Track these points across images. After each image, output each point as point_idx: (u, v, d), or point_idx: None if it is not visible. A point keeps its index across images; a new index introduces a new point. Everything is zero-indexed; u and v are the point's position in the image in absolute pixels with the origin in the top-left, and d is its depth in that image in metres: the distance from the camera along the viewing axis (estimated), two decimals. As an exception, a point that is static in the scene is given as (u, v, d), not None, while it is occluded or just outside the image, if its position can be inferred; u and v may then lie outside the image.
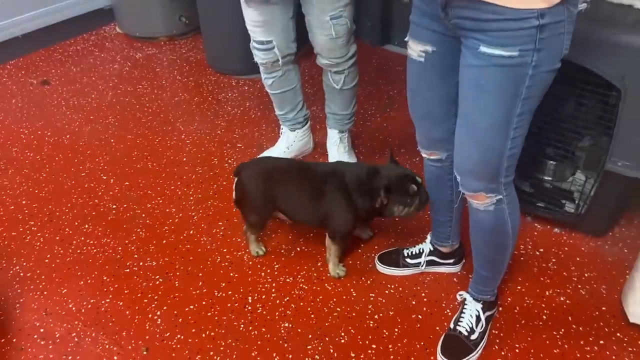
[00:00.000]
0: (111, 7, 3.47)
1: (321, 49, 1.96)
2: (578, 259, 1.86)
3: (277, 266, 1.86)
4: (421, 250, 1.80)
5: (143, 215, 2.08)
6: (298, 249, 1.93)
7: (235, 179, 1.82)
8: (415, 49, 1.32)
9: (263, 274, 1.83)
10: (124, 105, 2.77)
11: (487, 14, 1.08)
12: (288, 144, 2.30)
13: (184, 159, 2.39)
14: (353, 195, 1.67)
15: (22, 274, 1.84)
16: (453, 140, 1.34)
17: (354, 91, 2.13)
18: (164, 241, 1.97)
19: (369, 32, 3.20)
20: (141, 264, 1.87)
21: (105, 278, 1.82)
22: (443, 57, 1.28)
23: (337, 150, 2.26)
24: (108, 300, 1.74)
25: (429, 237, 1.80)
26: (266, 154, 2.30)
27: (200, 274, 1.83)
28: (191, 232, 2.01)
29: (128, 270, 1.85)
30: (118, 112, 2.71)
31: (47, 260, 1.89)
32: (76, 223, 2.05)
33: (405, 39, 1.35)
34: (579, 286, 1.76)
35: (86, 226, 2.04)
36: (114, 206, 2.13)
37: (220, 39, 2.89)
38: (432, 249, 1.78)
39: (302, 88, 2.21)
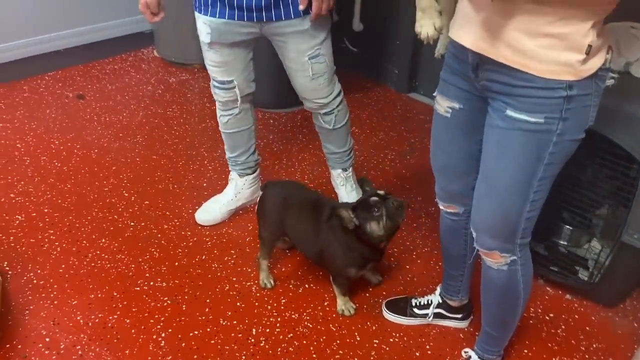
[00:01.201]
0: (152, 31, 3.62)
1: (304, 91, 1.97)
2: (588, 328, 1.84)
3: (284, 301, 1.87)
4: (430, 302, 1.80)
5: (159, 235, 2.12)
6: (306, 285, 1.94)
7: (262, 194, 1.92)
8: (443, 105, 1.36)
9: (269, 307, 1.84)
10: (153, 126, 2.85)
11: (517, 80, 1.12)
12: (236, 191, 2.24)
13: (204, 184, 2.44)
14: (339, 233, 1.70)
15: (35, 281, 1.88)
16: (471, 195, 1.37)
17: (347, 127, 2.15)
18: (176, 263, 1.99)
19: (396, 79, 3.28)
20: (152, 283, 1.90)
21: (115, 294, 1.84)
22: (469, 114, 1.32)
23: (345, 190, 2.28)
24: (115, 316, 1.76)
25: (438, 289, 1.80)
26: (212, 202, 2.25)
27: (208, 300, 1.85)
28: (203, 257, 2.03)
29: (138, 288, 1.87)
30: (146, 132, 2.79)
31: (61, 270, 1.93)
32: (94, 236, 2.09)
33: (434, 94, 1.40)
34: (587, 356, 1.73)
35: (103, 240, 2.07)
36: (132, 223, 2.17)
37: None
38: (440, 301, 1.78)
39: (256, 131, 2.18)
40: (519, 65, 1.11)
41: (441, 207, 1.57)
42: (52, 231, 2.11)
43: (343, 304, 1.82)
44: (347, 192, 2.28)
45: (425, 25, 1.15)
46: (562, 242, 2.08)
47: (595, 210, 2.00)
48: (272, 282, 1.91)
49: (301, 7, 1.75)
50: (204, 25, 1.84)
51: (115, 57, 3.57)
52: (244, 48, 1.91)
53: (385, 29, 3.24)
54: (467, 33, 1.19)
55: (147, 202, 2.30)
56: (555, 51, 1.07)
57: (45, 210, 2.21)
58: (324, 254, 1.77)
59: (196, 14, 1.87)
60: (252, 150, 2.21)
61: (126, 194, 2.33)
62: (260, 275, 1.91)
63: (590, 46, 1.06)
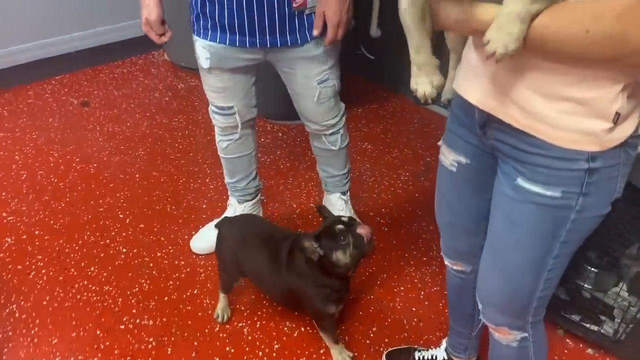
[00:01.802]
0: (163, 33, 3.49)
1: (310, 115, 1.85)
2: (611, 390, 1.66)
3: (277, 346, 1.73)
4: (434, 357, 1.64)
5: (151, 264, 2.01)
6: (302, 329, 1.80)
7: (217, 232, 1.79)
8: (448, 157, 1.18)
9: (261, 353, 1.71)
10: (156, 138, 2.74)
11: (530, 146, 0.95)
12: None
13: (204, 206, 2.31)
14: (302, 269, 1.55)
15: (17, 315, 1.79)
16: (480, 255, 1.20)
17: (348, 147, 2.02)
18: (166, 298, 1.88)
19: (416, 90, 3.08)
20: (138, 321, 1.78)
21: (98, 332, 1.74)
22: (477, 171, 1.15)
23: (346, 215, 2.12)
24: (96, 359, 1.66)
25: (444, 343, 1.64)
26: (208, 228, 2.10)
27: (196, 343, 1.73)
28: (195, 291, 1.91)
29: (123, 326, 1.76)
30: (149, 145, 2.68)
31: (45, 303, 1.83)
32: (82, 264, 1.99)
33: (439, 143, 1.23)
34: None
35: (92, 269, 1.97)
36: (124, 250, 2.06)
37: (259, 80, 2.82)
38: (446, 357, 1.62)
39: (257, 156, 2.05)
40: (531, 130, 0.93)
41: (447, 264, 1.40)
42: (40, 256, 2.01)
43: (338, 354, 1.68)
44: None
45: (421, 83, 0.97)
46: (586, 286, 1.88)
47: (624, 249, 1.80)
48: (228, 315, 1.81)
49: (315, 33, 1.62)
50: (203, 49, 1.71)
51: (125, 60, 3.46)
52: (245, 73, 1.77)
53: (404, 36, 3.04)
54: (473, 87, 1.02)
55: (142, 225, 2.18)
56: (575, 117, 0.89)
57: (36, 233, 2.12)
58: (295, 296, 1.62)
59: (194, 37, 1.74)
60: (252, 176, 2.07)
61: (121, 216, 2.23)
62: (218, 306, 1.81)
63: (618, 114, 0.88)
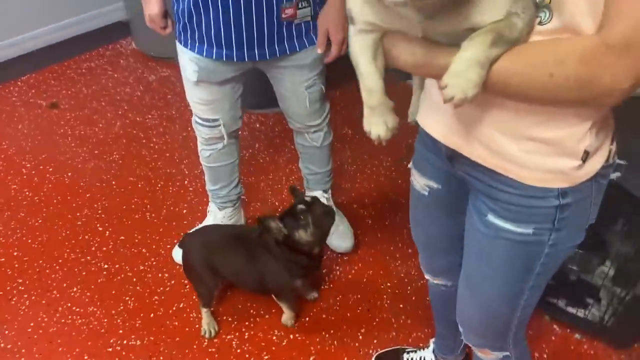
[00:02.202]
0: (129, 20, 3.35)
1: (296, 117, 1.84)
2: (598, 375, 1.69)
3: (266, 357, 1.73)
4: (422, 359, 1.64)
5: (134, 279, 1.98)
6: (291, 336, 1.80)
7: (182, 251, 1.81)
8: (419, 181, 1.14)
9: (251, 365, 1.71)
10: (131, 138, 2.66)
11: (499, 183, 0.91)
12: (215, 223, 2.06)
13: (184, 211, 2.27)
14: (273, 248, 1.66)
15: (2, 345, 1.77)
16: (459, 271, 1.18)
17: (331, 143, 2.00)
18: (152, 315, 1.86)
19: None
20: (125, 342, 1.77)
21: (86, 358, 1.73)
22: (449, 195, 1.11)
23: None
24: (86, 386, 1.66)
25: (431, 344, 1.64)
26: None
27: (185, 360, 1.73)
28: (181, 305, 1.89)
29: (111, 349, 1.75)
30: (124, 147, 2.60)
31: (29, 330, 1.81)
32: (64, 284, 1.96)
33: (409, 166, 1.18)
34: (596, 413, 1.58)
35: (74, 289, 1.94)
36: (106, 266, 2.03)
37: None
38: (433, 359, 1.63)
39: (239, 164, 2.02)
40: (498, 169, 0.89)
41: (427, 278, 1.38)
42: (21, 280, 1.98)
43: (288, 319, 1.80)
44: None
45: (375, 125, 0.91)
46: (571, 267, 1.88)
47: (609, 225, 1.79)
48: (215, 328, 1.80)
49: (319, 51, 1.60)
50: (190, 62, 1.64)
51: (92, 52, 3.33)
52: (234, 83, 1.73)
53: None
54: (437, 123, 0.97)
55: (122, 237, 2.14)
56: (542, 157, 0.85)
57: (15, 254, 2.08)
58: (265, 277, 1.71)
59: (179, 46, 1.66)
60: (234, 183, 2.04)
61: (100, 228, 2.18)
62: (203, 322, 1.80)
63: (587, 152, 0.83)
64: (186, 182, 2.41)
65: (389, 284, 1.96)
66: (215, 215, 2.08)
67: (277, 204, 2.31)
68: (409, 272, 2.00)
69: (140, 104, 2.91)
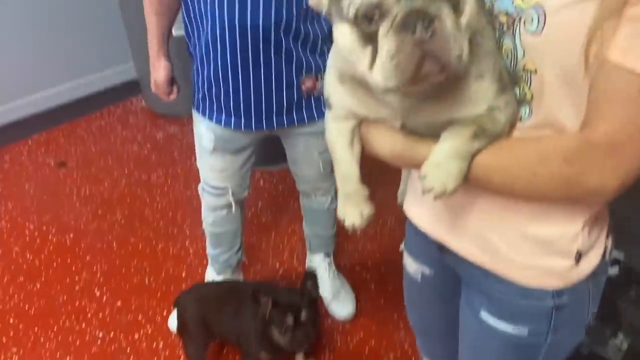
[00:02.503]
0: (138, 79, 3.41)
1: (306, 180, 1.82)
2: None
3: None
4: None
5: (128, 349, 1.92)
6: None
7: (176, 309, 1.78)
8: (411, 266, 1.09)
9: None
10: (135, 197, 2.66)
11: (491, 281, 0.84)
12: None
13: (183, 274, 2.23)
14: (258, 313, 1.59)
15: (-11, 421, 1.72)
16: (457, 358, 1.10)
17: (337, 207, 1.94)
18: (144, 389, 1.80)
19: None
20: (114, 418, 1.71)
21: None
22: (443, 281, 1.05)
23: (329, 277, 2.04)
24: None
25: None
26: None
27: None
28: (175, 377, 1.83)
29: None
30: (127, 207, 2.60)
31: (18, 405, 1.76)
32: (58, 354, 1.91)
33: (400, 248, 1.13)
34: None
35: (67, 359, 1.89)
36: (100, 334, 1.98)
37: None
38: None
39: (243, 229, 1.99)
40: (489, 268, 0.83)
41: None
42: (15, 349, 1.94)
43: None
44: (330, 279, 2.05)
45: (350, 214, 0.87)
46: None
47: (622, 293, 1.69)
48: None
49: None
50: (207, 131, 1.64)
51: (102, 110, 3.39)
52: (248, 151, 1.72)
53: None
54: (423, 214, 0.92)
55: (119, 303, 2.10)
56: (533, 256, 0.79)
57: (11, 321, 2.05)
58: (241, 333, 1.69)
59: (196, 115, 1.67)
60: (236, 249, 2.00)
61: (98, 293, 2.15)
62: None
63: (579, 252, 0.77)
64: (187, 243, 2.38)
65: (392, 356, 1.86)
66: (213, 281, 2.03)
67: (277, 265, 2.25)
68: (413, 343, 1.90)
69: (146, 162, 2.92)
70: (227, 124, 1.58)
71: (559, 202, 0.73)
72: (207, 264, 2.15)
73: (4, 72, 2.99)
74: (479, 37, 0.67)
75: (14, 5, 2.89)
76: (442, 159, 0.71)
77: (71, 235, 2.44)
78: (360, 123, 0.84)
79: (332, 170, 1.77)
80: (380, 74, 0.62)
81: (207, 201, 1.86)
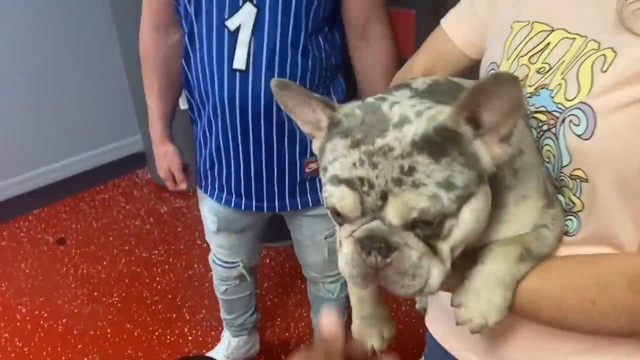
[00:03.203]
0: (145, 151, 3.36)
1: (312, 266, 1.71)
2: None
3: None
4: None
5: None
6: None
7: None
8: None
9: None
10: (133, 277, 2.52)
11: None
12: (228, 351, 1.97)
13: (181, 366, 2.05)
14: None
15: None
16: None
17: (347, 297, 1.79)
18: None
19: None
20: None
21: None
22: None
23: None
24: None
25: None
26: None
27: None
28: None
29: None
30: (125, 289, 2.45)
31: None
32: None
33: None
34: None
35: None
36: None
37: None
38: None
39: (256, 292, 1.94)
40: None
41: None
42: None
43: None
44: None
45: (369, 336, 0.75)
46: None
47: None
48: None
49: None
50: (210, 213, 1.59)
51: (107, 183, 3.31)
52: (255, 228, 1.67)
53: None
54: (449, 332, 0.78)
55: (108, 400, 1.92)
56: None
57: (-10, 421, 1.87)
58: None
59: (200, 193, 1.61)
60: (251, 312, 1.94)
61: (87, 388, 1.97)
62: None
63: None
64: (186, 329, 2.21)
65: None
66: (230, 342, 1.97)
67: (283, 357, 2.07)
68: None
69: (148, 238, 2.80)
70: (227, 203, 1.51)
71: (620, 335, 0.59)
72: (206, 352, 1.99)
73: (8, 146, 2.95)
74: (519, 158, 0.58)
75: (17, 75, 2.88)
76: (482, 287, 0.59)
77: (64, 320, 2.29)
78: None
79: None
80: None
81: (218, 272, 1.80)
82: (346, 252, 0.55)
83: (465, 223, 0.53)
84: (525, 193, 0.58)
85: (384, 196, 0.51)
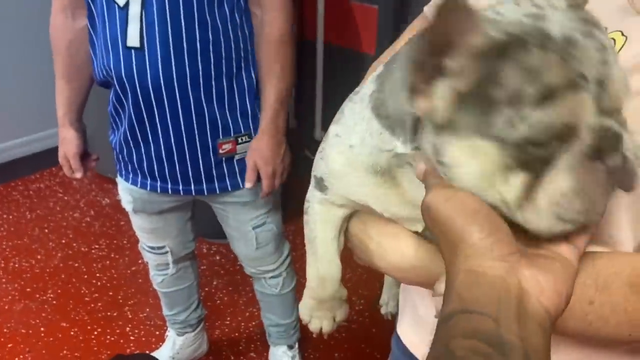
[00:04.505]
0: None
1: (245, 259, 1.65)
2: None
3: None
4: None
5: None
6: None
7: None
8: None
9: None
10: (71, 273, 2.35)
11: None
12: (174, 351, 1.86)
13: (122, 367, 1.92)
14: None
15: None
16: None
17: (294, 291, 1.75)
18: None
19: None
20: None
21: None
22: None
23: None
24: None
25: None
26: None
27: None
28: None
29: None
30: (61, 285, 2.29)
31: None
32: None
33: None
34: None
35: None
36: None
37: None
38: None
39: (198, 285, 1.85)
40: None
41: None
42: None
43: None
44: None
45: (319, 318, 0.71)
46: None
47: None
48: None
49: (248, 186, 1.41)
50: (124, 192, 1.51)
51: (43, 172, 3.10)
52: (177, 212, 1.57)
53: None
54: (424, 342, 0.73)
55: (40, 405, 1.77)
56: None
57: None
58: None
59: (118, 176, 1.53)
60: (193, 307, 1.83)
61: (16, 393, 1.81)
62: None
63: None
64: (128, 329, 2.08)
65: None
66: (175, 342, 1.85)
67: (232, 358, 1.98)
68: None
69: (88, 231, 2.63)
70: (143, 186, 1.45)
71: (616, 341, 0.56)
72: (150, 353, 1.87)
73: None
74: None
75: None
76: None
77: (-8, 318, 2.11)
78: (352, 214, 0.66)
79: (276, 249, 1.60)
80: (545, 217, 0.45)
81: (149, 260, 1.70)
82: (569, 186, 0.44)
83: None
84: None
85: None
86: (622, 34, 0.53)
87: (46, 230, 2.63)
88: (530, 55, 0.42)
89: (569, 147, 0.43)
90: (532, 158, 0.44)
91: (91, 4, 1.30)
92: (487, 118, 0.44)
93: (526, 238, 0.48)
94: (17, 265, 2.39)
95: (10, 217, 2.72)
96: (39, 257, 2.45)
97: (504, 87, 0.42)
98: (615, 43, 0.53)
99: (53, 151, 3.08)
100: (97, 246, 2.53)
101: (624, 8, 0.54)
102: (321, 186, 0.63)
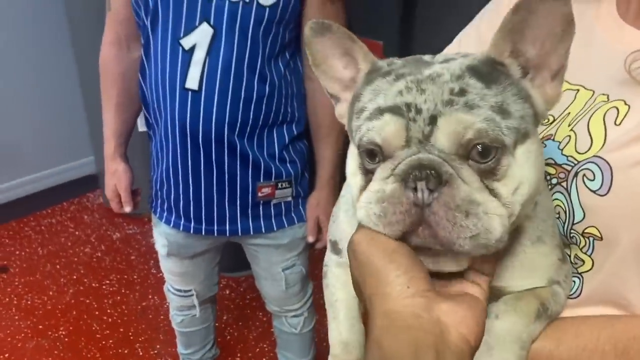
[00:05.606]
0: (97, 173, 3.21)
1: (272, 299, 1.66)
2: None
3: None
4: None
5: None
6: None
7: None
8: None
9: None
10: (82, 309, 2.37)
11: None
12: None
13: (133, 406, 1.92)
14: None
15: None
16: None
17: (314, 330, 1.76)
18: None
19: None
20: None
21: None
22: None
23: None
24: None
25: None
26: None
27: None
28: None
29: None
30: (72, 321, 2.30)
31: None
32: None
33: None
34: None
35: None
36: None
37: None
38: None
39: (215, 325, 1.86)
40: None
41: None
42: None
43: None
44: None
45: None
46: None
47: None
48: None
49: (310, 240, 1.48)
50: (160, 236, 1.51)
51: (55, 207, 3.14)
52: (207, 256, 1.58)
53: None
54: None
55: None
56: None
57: None
58: None
59: (152, 216, 1.53)
60: (209, 346, 1.84)
61: None
62: None
63: None
64: (139, 366, 2.09)
65: None
66: None
67: (243, 395, 1.98)
68: None
69: (98, 267, 2.66)
70: (176, 226, 1.45)
71: None
72: (161, 392, 1.87)
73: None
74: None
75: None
76: (496, 344, 0.54)
77: (6, 355, 2.12)
78: None
79: (300, 290, 1.62)
80: (362, 209, 0.50)
81: (173, 301, 1.71)
82: (378, 190, 0.48)
83: (521, 166, 0.47)
84: (540, 235, 0.55)
85: (433, 120, 0.46)
86: (625, 103, 0.55)
87: (58, 266, 2.65)
88: (382, 81, 0.51)
89: (384, 165, 0.49)
90: (365, 165, 0.52)
91: (150, 40, 1.30)
92: (349, 126, 0.55)
93: (437, 279, 0.51)
94: (29, 302, 2.41)
95: (23, 253, 2.75)
96: (50, 293, 2.47)
97: (361, 101, 0.52)
98: (618, 111, 0.55)
99: (64, 186, 3.15)
100: (107, 282, 2.55)
101: (623, 77, 0.57)
102: (336, 249, 0.66)
